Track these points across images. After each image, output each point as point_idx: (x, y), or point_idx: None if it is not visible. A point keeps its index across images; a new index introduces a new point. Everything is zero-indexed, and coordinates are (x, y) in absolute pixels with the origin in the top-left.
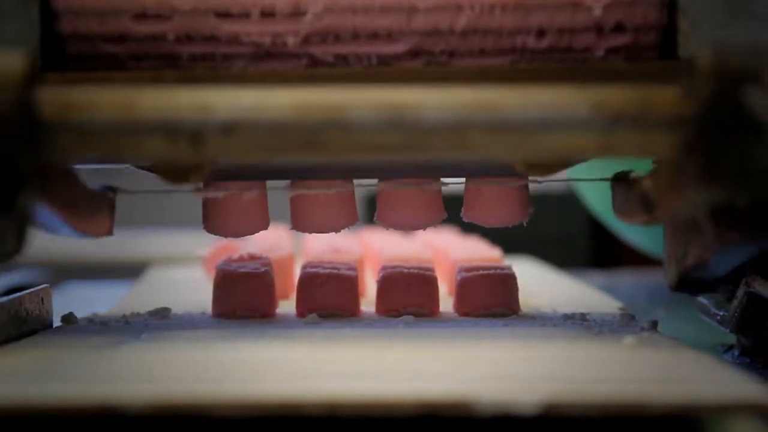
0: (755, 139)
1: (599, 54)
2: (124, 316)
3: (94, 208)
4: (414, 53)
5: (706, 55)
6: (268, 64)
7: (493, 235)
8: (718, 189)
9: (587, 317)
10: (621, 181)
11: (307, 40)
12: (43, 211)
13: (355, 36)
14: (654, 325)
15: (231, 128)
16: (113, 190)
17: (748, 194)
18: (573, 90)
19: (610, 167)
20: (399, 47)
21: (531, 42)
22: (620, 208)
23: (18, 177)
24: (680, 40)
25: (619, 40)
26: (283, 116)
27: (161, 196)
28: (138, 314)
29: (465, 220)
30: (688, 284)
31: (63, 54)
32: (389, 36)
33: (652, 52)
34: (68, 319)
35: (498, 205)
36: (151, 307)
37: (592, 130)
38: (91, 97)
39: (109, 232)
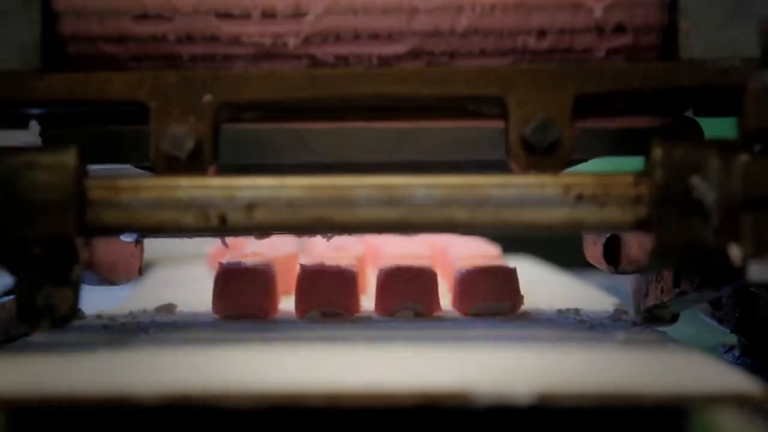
0: (700, 219)
1: (600, 55)
2: (131, 312)
3: (127, 261)
4: (415, 54)
5: (659, 149)
6: (269, 64)
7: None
8: (669, 260)
9: (581, 313)
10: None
11: (307, 40)
12: (86, 275)
13: (356, 37)
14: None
15: (252, 206)
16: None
17: (695, 266)
18: (545, 176)
19: (609, 167)
20: (400, 48)
21: (531, 43)
22: (590, 254)
23: (73, 254)
24: (681, 41)
25: (620, 40)
26: (295, 196)
27: None
28: (144, 311)
29: None
30: (651, 319)
31: (64, 54)
32: (390, 37)
33: (653, 52)
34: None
35: None
36: (156, 304)
37: (561, 208)
38: (133, 182)
39: (139, 274)
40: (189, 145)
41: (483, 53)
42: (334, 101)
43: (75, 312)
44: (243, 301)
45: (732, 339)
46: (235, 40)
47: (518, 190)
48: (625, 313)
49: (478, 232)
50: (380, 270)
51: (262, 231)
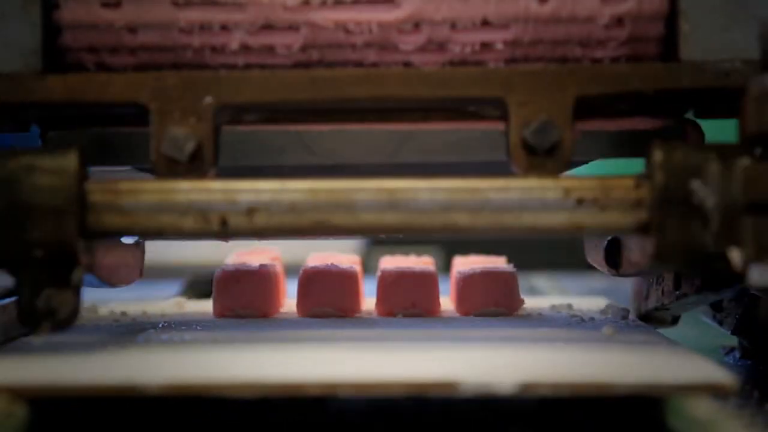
0: (701, 223)
1: (600, 56)
2: (142, 308)
3: (127, 263)
4: (415, 22)
5: (659, 152)
6: (266, 37)
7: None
8: (669, 264)
9: (573, 308)
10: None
11: (306, 4)
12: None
13: (356, 1)
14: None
15: (252, 210)
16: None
17: (696, 270)
18: (545, 179)
19: (610, 169)
20: (399, 13)
21: (533, 7)
22: (591, 256)
23: (74, 257)
24: (682, 43)
25: (621, 41)
26: (296, 199)
27: None
28: (154, 307)
29: None
30: (651, 320)
31: (64, 55)
32: (389, 1)
33: (654, 53)
34: (91, 310)
35: None
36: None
37: (562, 212)
38: (134, 185)
39: (139, 277)
40: (189, 147)
41: (485, 23)
42: (334, 103)
43: (75, 315)
44: (243, 303)
45: (733, 341)
46: (234, 4)
47: (519, 194)
48: (615, 308)
49: (479, 236)
50: (381, 273)
51: (263, 235)
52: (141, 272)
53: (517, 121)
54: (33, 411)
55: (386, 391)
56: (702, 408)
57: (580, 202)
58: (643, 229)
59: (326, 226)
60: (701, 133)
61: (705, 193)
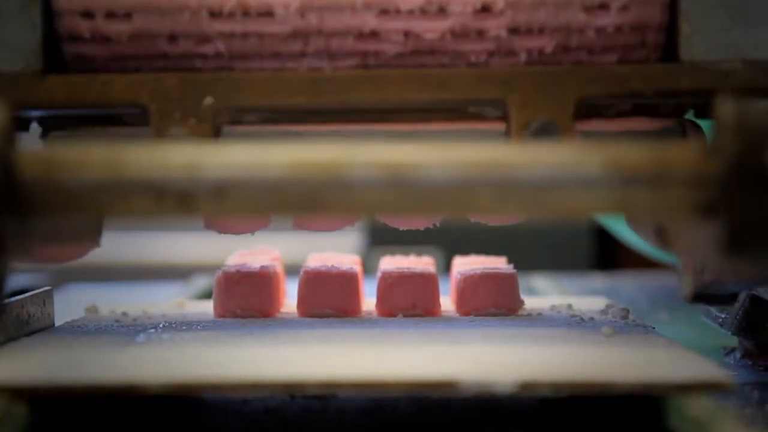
0: None
1: (601, 57)
2: (142, 308)
3: (78, 235)
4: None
5: (730, 114)
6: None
7: (496, 239)
8: (741, 253)
9: (572, 307)
10: None
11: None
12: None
13: None
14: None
15: (223, 189)
16: None
17: None
18: (585, 148)
19: None
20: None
21: (531, 42)
22: (635, 223)
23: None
24: (682, 43)
25: (621, 41)
26: (279, 175)
27: None
28: (155, 306)
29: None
30: (704, 298)
31: (64, 55)
32: None
33: (654, 54)
34: (91, 310)
35: None
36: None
37: (605, 189)
38: (75, 155)
39: (96, 246)
40: None
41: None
42: (335, 104)
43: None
44: (244, 304)
45: (733, 341)
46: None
47: (552, 169)
48: (616, 309)
49: (502, 217)
50: (381, 273)
51: (235, 215)
52: (98, 243)
53: (517, 121)
54: (33, 411)
55: (386, 391)
56: (701, 407)
57: (628, 178)
58: (709, 211)
59: (315, 207)
60: (702, 134)
61: None
